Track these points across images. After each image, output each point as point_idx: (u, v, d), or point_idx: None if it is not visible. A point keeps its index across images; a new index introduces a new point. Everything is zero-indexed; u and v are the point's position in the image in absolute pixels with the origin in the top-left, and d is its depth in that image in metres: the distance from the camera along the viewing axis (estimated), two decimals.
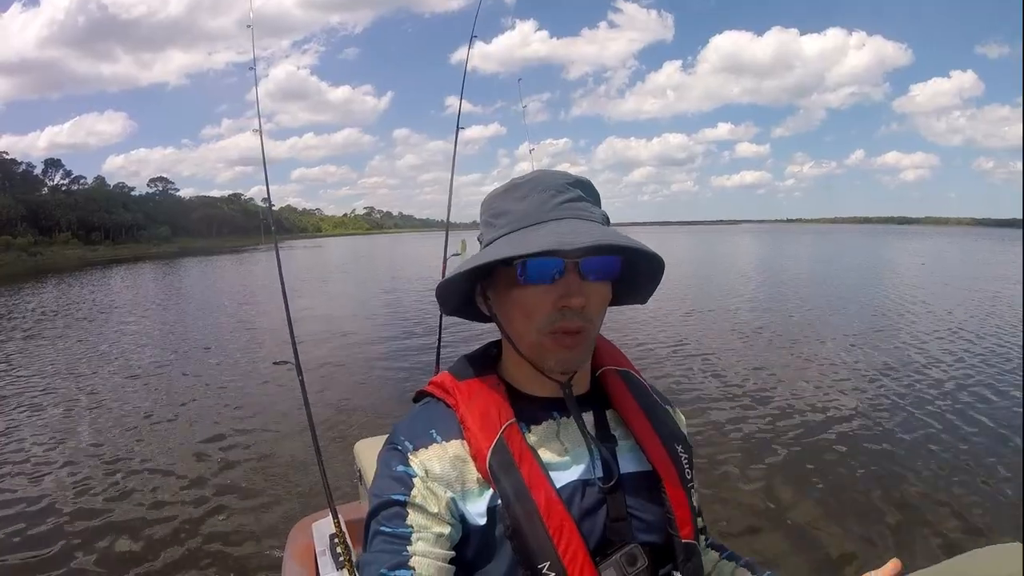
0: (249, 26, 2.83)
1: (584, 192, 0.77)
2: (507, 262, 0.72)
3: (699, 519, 0.87)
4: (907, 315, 11.41)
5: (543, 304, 0.73)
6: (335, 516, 1.72)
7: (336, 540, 1.67)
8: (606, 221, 0.77)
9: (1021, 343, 8.61)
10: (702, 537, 0.89)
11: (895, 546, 3.28)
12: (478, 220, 0.83)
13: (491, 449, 0.73)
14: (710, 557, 0.91)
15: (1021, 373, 6.98)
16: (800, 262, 30.52)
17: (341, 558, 1.62)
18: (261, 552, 3.34)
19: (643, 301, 0.88)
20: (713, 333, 9.90)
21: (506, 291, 0.76)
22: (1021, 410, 5.54)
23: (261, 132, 2.58)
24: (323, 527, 1.77)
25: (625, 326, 9.79)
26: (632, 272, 0.80)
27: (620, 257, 0.75)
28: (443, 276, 2.11)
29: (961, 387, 6.33)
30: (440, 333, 2.32)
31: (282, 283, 2.38)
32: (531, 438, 0.77)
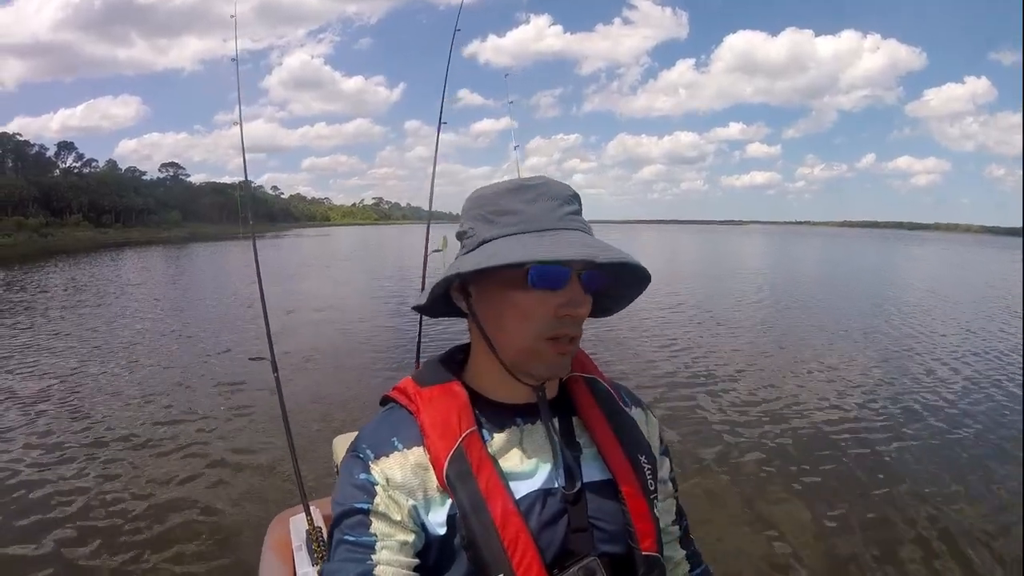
0: (232, 16, 2.72)
1: (579, 206, 0.79)
2: (517, 263, 0.71)
3: (676, 527, 0.90)
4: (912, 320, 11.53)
5: (545, 310, 0.72)
6: (308, 512, 1.75)
7: (311, 535, 1.69)
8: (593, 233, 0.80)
9: (1021, 348, 8.72)
10: (682, 551, 0.90)
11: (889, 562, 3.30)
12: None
13: (448, 458, 0.73)
14: (680, 569, 0.90)
15: (1022, 376, 7.10)
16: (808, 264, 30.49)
17: (316, 554, 1.63)
18: (241, 545, 3.32)
19: (610, 315, 0.90)
20: (713, 333, 9.91)
21: (502, 291, 0.74)
22: (1021, 412, 5.65)
23: (241, 125, 2.56)
24: (299, 522, 1.78)
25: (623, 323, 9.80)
26: (611, 288, 0.81)
27: (610, 273, 0.76)
28: (424, 272, 2.14)
29: (964, 392, 6.49)
30: (420, 327, 2.20)
31: (259, 279, 2.32)
32: (492, 446, 0.76)
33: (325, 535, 1.68)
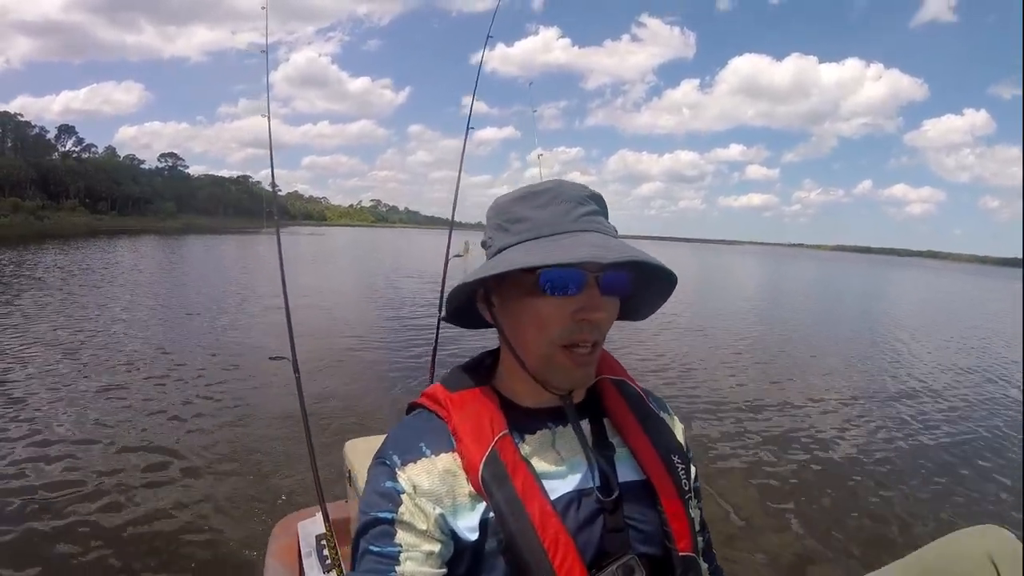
0: (264, 8, 2.74)
1: (599, 206, 0.78)
2: (529, 269, 0.71)
3: (699, 538, 0.87)
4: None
5: (561, 315, 0.72)
6: (326, 517, 1.66)
7: (324, 542, 1.63)
8: (616, 234, 0.78)
9: (1021, 358, 9.16)
10: (704, 563, 0.88)
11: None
12: (483, 222, 0.83)
13: (483, 461, 0.72)
14: None
15: (1022, 379, 7.45)
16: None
17: (328, 561, 1.57)
18: (239, 550, 3.23)
19: (641, 319, 0.88)
20: (708, 349, 9.88)
21: (519, 299, 0.74)
22: (1021, 416, 5.89)
23: (269, 117, 2.53)
24: (309, 526, 1.71)
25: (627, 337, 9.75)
26: (637, 290, 0.80)
27: (633, 274, 0.75)
28: (444, 277, 2.13)
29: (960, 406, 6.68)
30: (437, 335, 2.17)
31: (282, 275, 2.29)
32: (525, 449, 0.76)
33: (337, 541, 1.62)
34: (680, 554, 0.76)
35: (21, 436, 4.68)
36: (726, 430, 5.57)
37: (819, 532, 3.70)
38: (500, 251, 0.76)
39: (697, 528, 0.86)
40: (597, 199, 0.78)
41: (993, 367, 9.38)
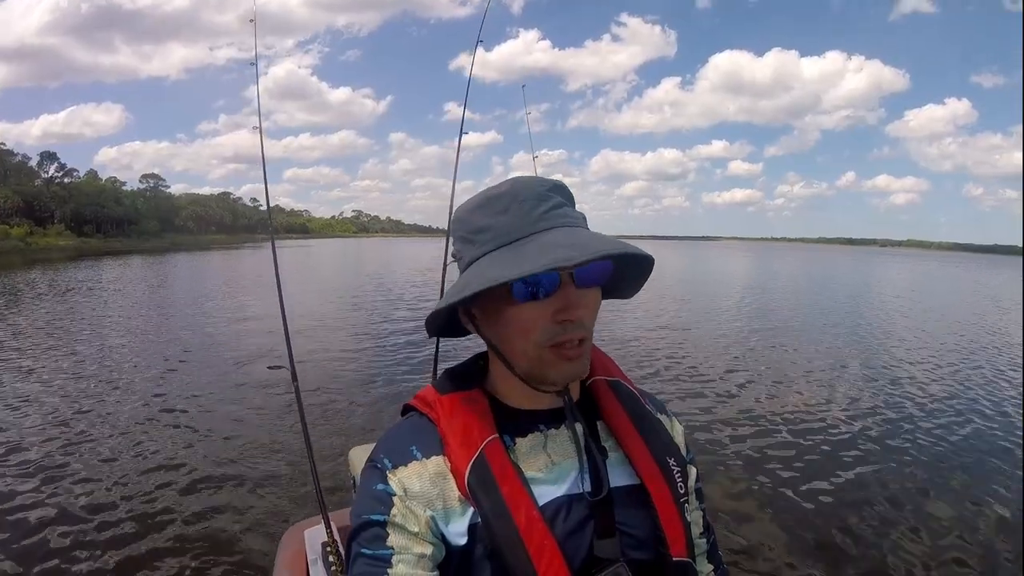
0: (252, 20, 2.72)
1: (564, 197, 0.75)
2: (485, 288, 0.67)
3: (703, 540, 0.87)
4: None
5: (541, 319, 0.70)
6: (327, 524, 1.70)
7: (328, 548, 1.64)
8: (585, 222, 0.75)
9: (1021, 352, 9.12)
10: (709, 565, 0.87)
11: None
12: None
13: (470, 466, 0.71)
14: None
15: (1021, 375, 7.45)
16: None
17: (333, 567, 1.59)
18: (250, 559, 3.29)
19: (628, 296, 0.86)
20: (696, 340, 10.14)
21: (497, 309, 0.72)
22: (1021, 412, 5.82)
23: (261, 130, 2.48)
24: (315, 534, 1.72)
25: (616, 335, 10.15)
26: (620, 272, 0.79)
27: (609, 261, 0.72)
28: (443, 282, 2.19)
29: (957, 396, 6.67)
30: (438, 339, 2.04)
31: (278, 286, 2.27)
32: (516, 452, 0.75)
33: (341, 548, 1.63)
34: (674, 559, 0.74)
35: (27, 446, 4.87)
36: (723, 424, 5.61)
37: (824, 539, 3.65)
38: (470, 264, 0.74)
39: (699, 531, 0.87)
40: (559, 189, 0.75)
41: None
